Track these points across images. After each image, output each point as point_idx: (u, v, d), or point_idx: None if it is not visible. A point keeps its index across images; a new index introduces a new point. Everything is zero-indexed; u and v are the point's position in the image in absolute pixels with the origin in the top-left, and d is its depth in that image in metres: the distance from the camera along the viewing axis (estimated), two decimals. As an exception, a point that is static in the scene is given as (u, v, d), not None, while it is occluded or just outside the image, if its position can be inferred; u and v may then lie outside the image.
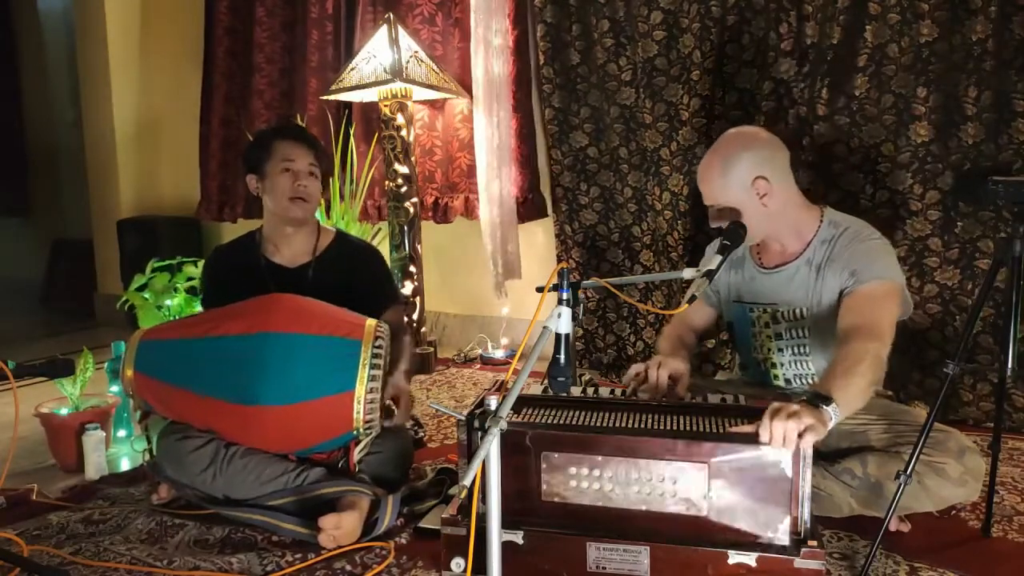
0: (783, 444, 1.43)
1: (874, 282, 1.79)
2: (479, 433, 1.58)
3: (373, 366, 1.86)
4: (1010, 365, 1.67)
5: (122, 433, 2.65)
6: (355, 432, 1.89)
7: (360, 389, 1.84)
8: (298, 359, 1.85)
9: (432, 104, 3.69)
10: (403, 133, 3.41)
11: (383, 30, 3.31)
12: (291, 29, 4.07)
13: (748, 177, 1.83)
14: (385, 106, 3.40)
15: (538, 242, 3.59)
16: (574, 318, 1.47)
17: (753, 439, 1.48)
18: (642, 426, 1.62)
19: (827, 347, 1.89)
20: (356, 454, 1.98)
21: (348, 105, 3.84)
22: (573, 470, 1.56)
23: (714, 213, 1.90)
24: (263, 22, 4.11)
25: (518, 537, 1.56)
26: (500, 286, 3.50)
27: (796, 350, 1.96)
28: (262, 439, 1.92)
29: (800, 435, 1.43)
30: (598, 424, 1.63)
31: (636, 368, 1.88)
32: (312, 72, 3.94)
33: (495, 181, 3.42)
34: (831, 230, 1.90)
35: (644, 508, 1.54)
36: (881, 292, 1.78)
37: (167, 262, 3.16)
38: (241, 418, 1.88)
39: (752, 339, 2.05)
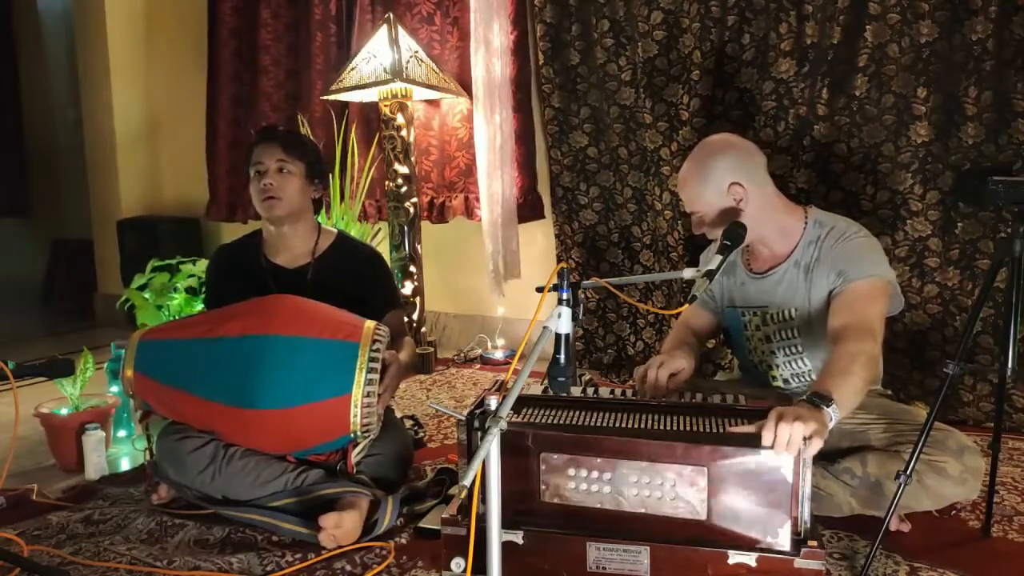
0: (787, 449, 1.43)
1: (861, 280, 1.80)
2: (479, 433, 1.58)
3: (370, 369, 1.85)
4: (1010, 365, 1.67)
5: (122, 433, 2.65)
6: (352, 435, 1.88)
7: (357, 393, 1.84)
8: (296, 363, 1.85)
9: (427, 103, 3.69)
10: (403, 133, 3.41)
11: (383, 30, 3.31)
12: (296, 31, 4.07)
13: (724, 183, 1.86)
14: (385, 106, 3.40)
15: (538, 242, 3.59)
16: (574, 318, 1.47)
17: (753, 441, 1.48)
18: (642, 427, 1.62)
19: (820, 345, 1.90)
20: (354, 456, 1.98)
21: (348, 105, 3.84)
22: (572, 471, 1.56)
23: (697, 220, 1.94)
24: (268, 24, 4.10)
25: (518, 537, 1.56)
26: (499, 286, 3.50)
27: (788, 351, 1.97)
28: (259, 441, 1.92)
29: (806, 439, 1.43)
30: (598, 424, 1.63)
31: (641, 369, 1.88)
32: (318, 74, 3.93)
33: (496, 181, 3.42)
34: (817, 230, 1.91)
35: (643, 511, 1.54)
36: (869, 290, 1.79)
37: (167, 262, 3.16)
38: (239, 421, 1.88)
39: (746, 343, 2.06)
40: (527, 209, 3.49)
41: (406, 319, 3.37)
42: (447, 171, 3.68)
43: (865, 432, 1.85)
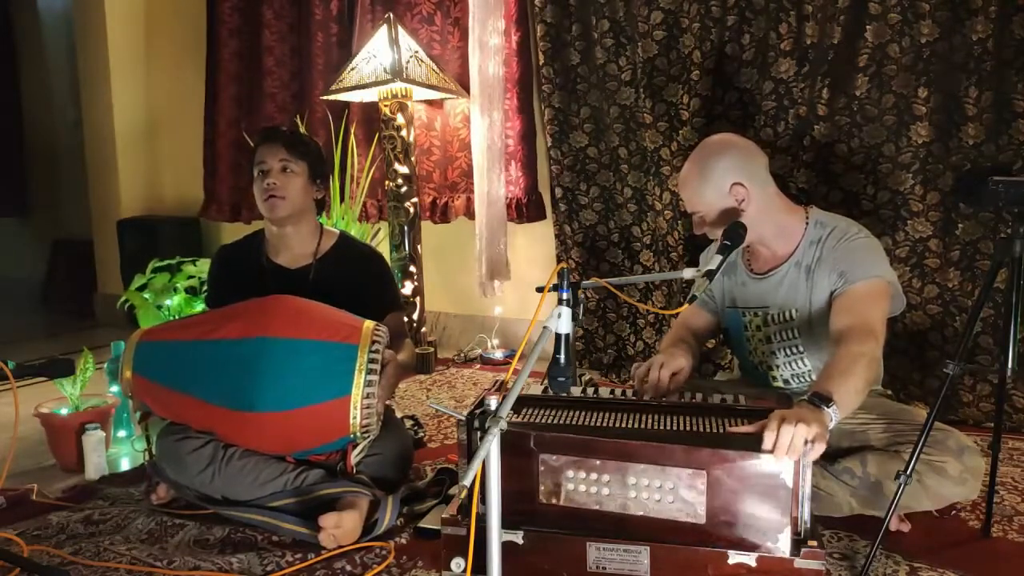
0: (787, 454, 1.43)
1: (863, 282, 1.79)
2: (479, 433, 1.58)
3: (370, 371, 1.85)
4: (1010, 365, 1.67)
5: (122, 433, 2.65)
6: (352, 436, 1.88)
7: (356, 394, 1.84)
8: (295, 365, 1.85)
9: (430, 104, 3.70)
10: (403, 133, 3.41)
11: (383, 30, 3.31)
12: (298, 32, 4.07)
13: (725, 184, 1.86)
14: (385, 106, 3.41)
15: (538, 242, 3.59)
16: (574, 318, 1.47)
17: (753, 443, 1.47)
18: (642, 427, 1.62)
19: (820, 345, 1.89)
20: (353, 457, 1.97)
21: (348, 105, 3.84)
22: (571, 474, 1.56)
23: (698, 220, 1.93)
24: (271, 24, 4.09)
25: (518, 537, 1.56)
26: (485, 286, 3.50)
27: (789, 351, 1.97)
28: (258, 443, 1.93)
29: (808, 442, 1.43)
30: (598, 425, 1.63)
31: (641, 369, 1.87)
32: (319, 75, 3.93)
33: (489, 182, 3.42)
34: (818, 231, 1.91)
35: (642, 514, 1.53)
36: (871, 291, 1.79)
37: (167, 262, 3.16)
38: (238, 423, 1.88)
39: (746, 343, 2.06)
40: (530, 209, 3.50)
41: (406, 319, 3.37)
42: (449, 171, 3.69)
43: (865, 432, 1.85)
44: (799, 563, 1.44)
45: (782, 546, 1.45)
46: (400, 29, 3.32)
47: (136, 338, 1.98)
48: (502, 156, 3.44)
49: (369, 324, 1.92)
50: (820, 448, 1.44)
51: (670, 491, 1.50)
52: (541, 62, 3.30)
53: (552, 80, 3.29)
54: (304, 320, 1.93)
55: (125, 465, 2.45)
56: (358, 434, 1.87)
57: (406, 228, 3.46)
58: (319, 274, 2.19)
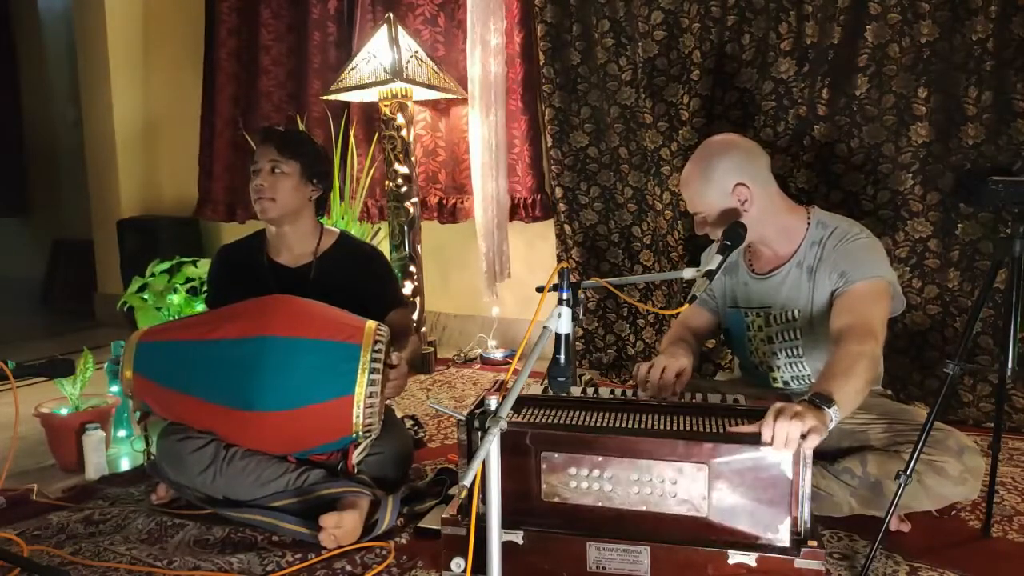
0: (785, 446, 1.44)
1: (863, 282, 1.80)
2: (479, 433, 1.58)
3: (372, 370, 1.85)
4: (1010, 365, 1.67)
5: (122, 433, 2.65)
6: (354, 435, 1.88)
7: (359, 393, 1.84)
8: (297, 364, 1.85)
9: (436, 106, 3.70)
10: (403, 133, 3.41)
11: (383, 30, 3.31)
12: (296, 31, 4.07)
13: (728, 184, 1.86)
14: (385, 106, 3.41)
15: (538, 242, 3.59)
16: (574, 318, 1.47)
17: (753, 439, 1.48)
18: (642, 426, 1.62)
19: (820, 347, 1.89)
20: (355, 456, 1.98)
21: (348, 105, 3.84)
22: (573, 470, 1.56)
23: (699, 221, 1.93)
24: (269, 24, 4.10)
25: (518, 537, 1.56)
26: (492, 286, 3.50)
27: (790, 352, 1.97)
28: (260, 443, 1.93)
29: (803, 436, 1.44)
30: (598, 424, 1.63)
31: (643, 369, 1.87)
32: (315, 74, 3.94)
33: (491, 181, 3.42)
34: (820, 231, 1.91)
35: (644, 508, 1.54)
36: (871, 291, 1.79)
37: (167, 263, 3.16)
38: (239, 422, 1.88)
39: (747, 343, 2.06)
40: (535, 208, 3.50)
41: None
42: (457, 173, 3.70)
43: (865, 432, 1.85)
44: (799, 563, 1.44)
45: (783, 537, 1.46)
46: (400, 29, 3.32)
47: (136, 338, 1.98)
48: (506, 156, 3.44)
49: (371, 324, 1.92)
50: (815, 438, 1.44)
51: (672, 485, 1.51)
52: (542, 62, 3.30)
53: (552, 80, 3.29)
54: (305, 320, 1.93)
55: (125, 465, 2.45)
56: (360, 433, 1.87)
57: (406, 228, 3.46)
58: (319, 273, 2.19)
